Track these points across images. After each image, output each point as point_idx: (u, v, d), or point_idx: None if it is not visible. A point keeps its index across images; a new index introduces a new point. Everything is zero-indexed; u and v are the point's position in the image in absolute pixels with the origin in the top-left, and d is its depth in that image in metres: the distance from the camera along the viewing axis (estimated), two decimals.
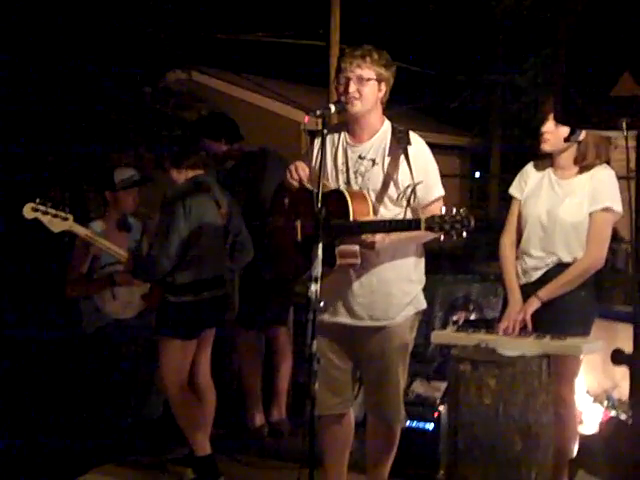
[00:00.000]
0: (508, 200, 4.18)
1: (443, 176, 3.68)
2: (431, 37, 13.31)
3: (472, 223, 3.09)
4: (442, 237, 3.15)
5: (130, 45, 8.83)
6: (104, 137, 8.59)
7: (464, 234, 3.12)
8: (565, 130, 3.76)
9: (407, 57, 11.69)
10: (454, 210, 3.12)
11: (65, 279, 4.88)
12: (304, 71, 12.53)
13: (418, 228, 3.17)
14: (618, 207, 3.82)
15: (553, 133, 3.86)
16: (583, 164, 3.86)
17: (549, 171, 3.97)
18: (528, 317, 3.86)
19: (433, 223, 3.12)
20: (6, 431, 3.49)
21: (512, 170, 4.12)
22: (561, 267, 3.86)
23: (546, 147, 3.91)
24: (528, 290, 3.93)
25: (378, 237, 3.34)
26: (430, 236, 3.28)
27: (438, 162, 3.63)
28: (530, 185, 4.01)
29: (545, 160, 4.00)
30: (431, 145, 3.68)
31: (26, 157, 7.82)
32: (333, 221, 3.24)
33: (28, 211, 4.36)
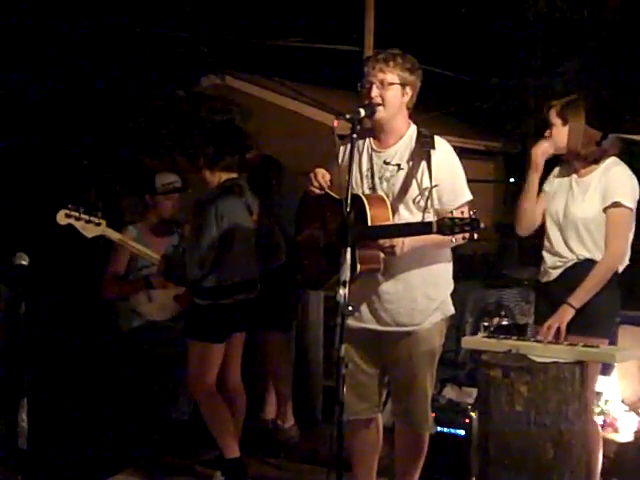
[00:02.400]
0: None
1: (477, 181, 3.65)
2: (465, 41, 13.24)
3: (482, 225, 3.08)
4: (454, 240, 3.14)
5: (164, 49, 8.89)
6: (138, 141, 8.66)
7: (475, 236, 3.12)
8: (562, 133, 3.88)
9: (441, 61, 11.65)
10: (462, 211, 3.13)
11: (102, 280, 4.93)
12: (338, 76, 12.52)
13: (430, 231, 3.14)
14: (628, 202, 3.81)
15: (553, 137, 3.93)
16: (572, 155, 3.90)
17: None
18: (564, 326, 3.82)
19: (444, 225, 3.09)
20: (37, 429, 3.53)
21: (548, 174, 4.11)
22: (578, 266, 3.85)
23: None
24: (549, 289, 3.96)
25: (394, 242, 3.31)
26: (445, 239, 3.19)
27: (471, 167, 3.60)
28: (555, 185, 4.05)
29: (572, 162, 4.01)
30: (464, 150, 3.66)
31: (61, 161, 7.91)
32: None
33: (61, 217, 4.40)
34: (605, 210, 3.82)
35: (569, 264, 3.90)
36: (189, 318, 4.41)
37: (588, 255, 3.85)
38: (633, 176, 3.89)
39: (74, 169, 8.11)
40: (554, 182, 4.06)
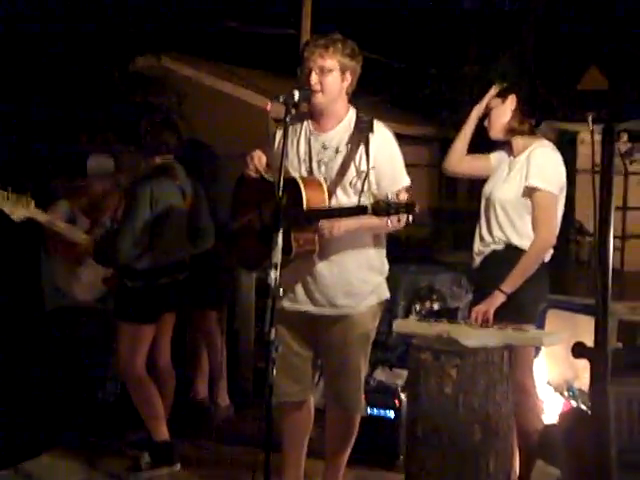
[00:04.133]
0: (477, 191, 4.20)
1: (412, 166, 3.67)
2: (404, 29, 13.31)
3: (416, 209, 3.10)
4: (389, 223, 3.15)
5: (100, 28, 8.72)
6: (71, 121, 8.49)
7: (410, 219, 3.15)
8: (501, 110, 3.89)
9: (380, 48, 11.68)
10: (399, 196, 3.14)
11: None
12: (275, 59, 12.46)
13: (365, 213, 3.16)
14: (546, 186, 3.77)
15: (490, 123, 3.95)
16: (507, 131, 3.91)
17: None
18: (491, 311, 3.85)
19: (379, 208, 3.11)
20: None
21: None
22: (495, 254, 3.87)
23: (490, 134, 3.99)
24: (474, 276, 4.05)
25: (329, 224, 3.32)
26: (381, 223, 3.21)
27: (406, 152, 3.60)
28: (496, 163, 4.03)
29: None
30: (400, 136, 3.66)
31: None
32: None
33: None
34: (526, 194, 3.78)
35: (487, 252, 3.90)
36: (119, 299, 4.37)
37: (504, 238, 3.84)
38: (558, 161, 3.86)
39: (4, 149, 7.91)
40: (499, 159, 4.02)
